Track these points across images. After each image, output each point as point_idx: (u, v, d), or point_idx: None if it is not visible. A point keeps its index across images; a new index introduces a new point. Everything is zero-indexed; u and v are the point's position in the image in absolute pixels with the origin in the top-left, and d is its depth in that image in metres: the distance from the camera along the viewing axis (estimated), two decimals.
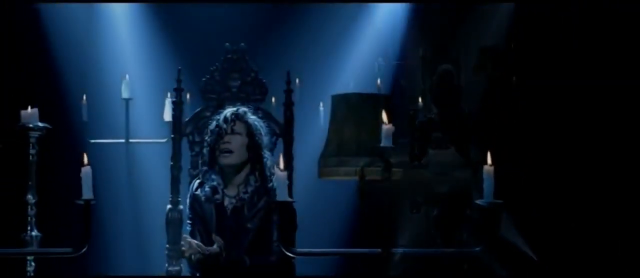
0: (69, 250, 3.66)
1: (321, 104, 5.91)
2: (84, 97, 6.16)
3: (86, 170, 3.62)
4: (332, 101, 4.78)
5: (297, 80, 5.77)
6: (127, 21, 6.67)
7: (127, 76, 6.16)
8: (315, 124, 5.90)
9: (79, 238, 4.77)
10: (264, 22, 6.57)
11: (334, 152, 4.67)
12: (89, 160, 3.65)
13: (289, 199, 3.60)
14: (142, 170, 6.59)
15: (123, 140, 6.25)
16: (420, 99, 5.26)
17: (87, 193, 3.61)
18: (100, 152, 6.16)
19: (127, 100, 6.15)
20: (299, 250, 3.74)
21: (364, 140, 4.62)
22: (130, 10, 6.64)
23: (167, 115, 6.02)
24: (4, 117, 5.77)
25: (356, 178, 4.54)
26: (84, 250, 3.65)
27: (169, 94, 6.03)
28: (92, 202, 3.64)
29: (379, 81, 5.83)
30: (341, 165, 4.67)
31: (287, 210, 3.64)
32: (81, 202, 3.63)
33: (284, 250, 3.67)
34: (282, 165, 3.66)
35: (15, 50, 6.37)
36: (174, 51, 6.53)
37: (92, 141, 6.18)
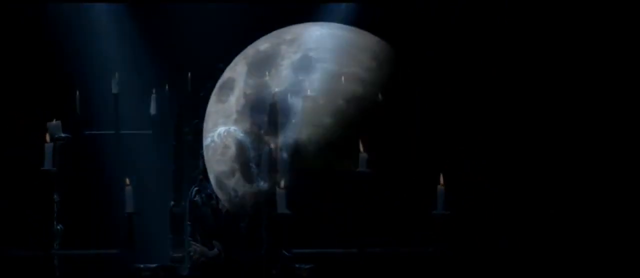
0: (116, 251, 4.40)
1: None
2: (77, 93, 6.60)
3: (129, 190, 4.38)
4: None
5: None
6: (118, 25, 7.26)
7: (116, 74, 6.66)
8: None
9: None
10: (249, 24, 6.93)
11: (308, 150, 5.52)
12: (130, 181, 4.40)
13: (287, 211, 4.51)
14: (130, 158, 6.91)
15: (113, 131, 6.64)
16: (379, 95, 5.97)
17: (129, 207, 4.35)
18: (93, 142, 6.75)
19: (116, 95, 6.60)
20: (293, 250, 4.63)
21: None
22: (124, 17, 7.26)
23: (153, 109, 6.68)
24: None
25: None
26: (130, 251, 4.39)
27: (154, 90, 6.77)
28: (136, 214, 4.39)
29: None
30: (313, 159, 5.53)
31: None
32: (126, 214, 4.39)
33: (284, 252, 4.56)
34: (282, 184, 4.57)
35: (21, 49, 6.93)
36: (160, 51, 7.12)
37: (87, 132, 6.67)
